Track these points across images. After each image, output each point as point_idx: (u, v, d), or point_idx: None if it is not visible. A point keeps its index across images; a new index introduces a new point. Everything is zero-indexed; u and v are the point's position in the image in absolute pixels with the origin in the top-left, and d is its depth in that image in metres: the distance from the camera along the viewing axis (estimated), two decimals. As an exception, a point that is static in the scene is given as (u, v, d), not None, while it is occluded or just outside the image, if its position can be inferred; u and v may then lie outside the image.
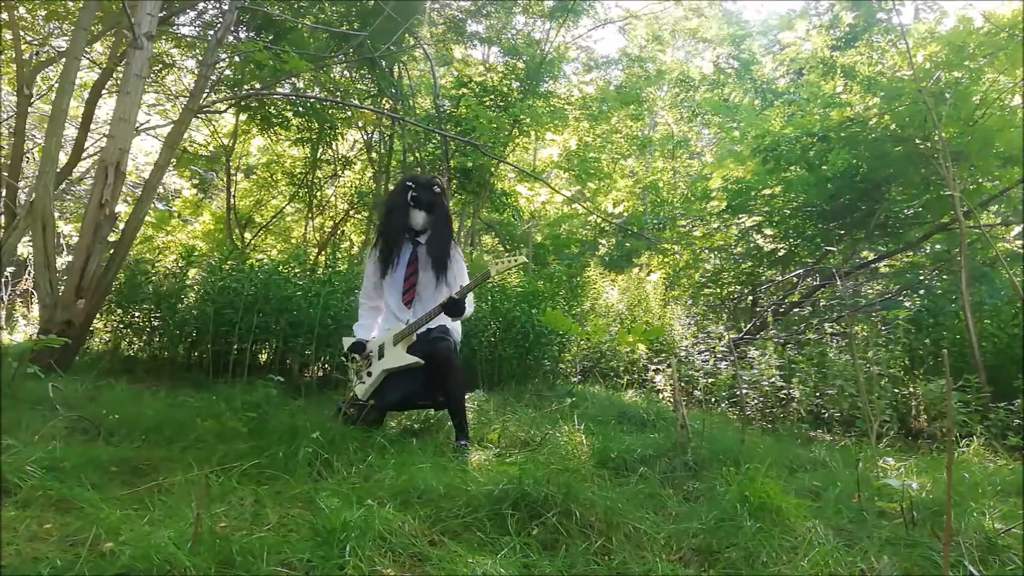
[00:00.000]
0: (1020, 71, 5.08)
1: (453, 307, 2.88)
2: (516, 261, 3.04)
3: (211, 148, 9.15)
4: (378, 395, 2.96)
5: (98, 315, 4.68)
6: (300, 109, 7.47)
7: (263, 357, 4.97)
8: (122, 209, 6.26)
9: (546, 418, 3.54)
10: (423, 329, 3.00)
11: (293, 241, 10.09)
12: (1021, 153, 4.99)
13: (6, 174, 5.88)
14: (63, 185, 8.07)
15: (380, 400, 2.94)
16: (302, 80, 7.27)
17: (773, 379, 4.42)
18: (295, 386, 3.89)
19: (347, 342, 3.14)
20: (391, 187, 8.43)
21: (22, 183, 6.68)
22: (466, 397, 3.19)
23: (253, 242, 9.05)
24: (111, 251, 4.41)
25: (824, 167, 5.91)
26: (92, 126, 6.99)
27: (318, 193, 9.33)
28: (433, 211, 3.08)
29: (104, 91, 6.74)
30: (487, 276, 3.02)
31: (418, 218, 3.06)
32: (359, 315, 3.21)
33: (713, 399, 4.94)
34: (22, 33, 6.32)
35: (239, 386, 3.60)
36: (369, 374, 3.00)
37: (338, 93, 7.23)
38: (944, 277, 5.73)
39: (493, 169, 8.41)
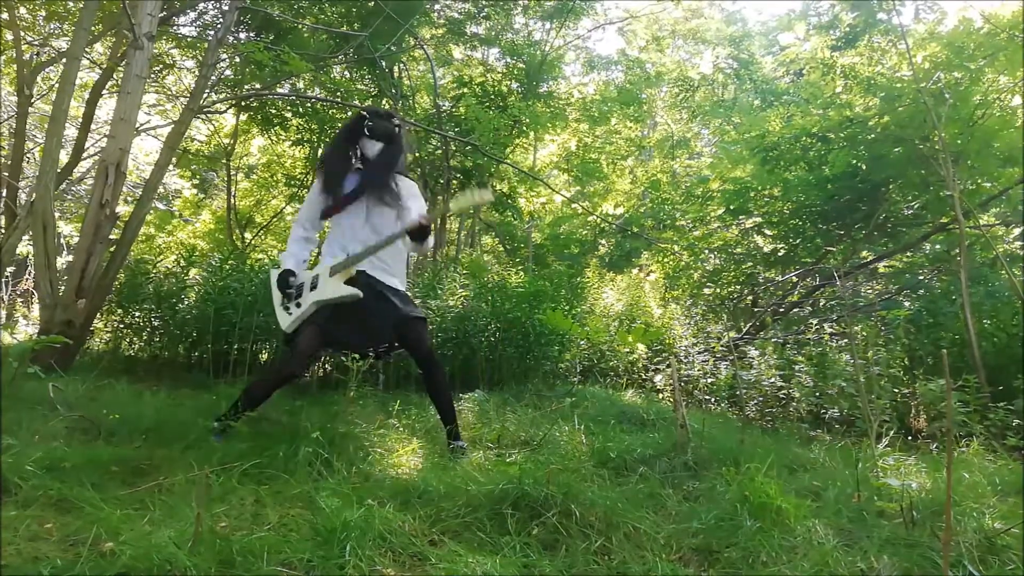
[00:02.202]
0: (1020, 71, 5.08)
1: (420, 233, 2.58)
2: (480, 197, 2.68)
3: (212, 148, 9.15)
4: (305, 331, 2.65)
5: (98, 315, 4.68)
6: (300, 110, 7.46)
7: (263, 357, 4.97)
8: (123, 209, 6.25)
9: (546, 418, 3.54)
10: (398, 288, 2.77)
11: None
12: (1021, 153, 4.99)
13: (7, 174, 5.88)
14: (63, 185, 8.07)
15: (315, 336, 2.64)
16: (302, 80, 7.27)
17: (773, 379, 4.42)
18: (295, 386, 3.89)
19: (274, 274, 2.84)
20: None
21: (23, 183, 6.68)
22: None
23: (253, 242, 9.04)
24: (112, 251, 4.41)
25: (824, 167, 5.91)
26: (92, 126, 7.00)
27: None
28: (390, 141, 2.77)
29: (104, 91, 6.74)
30: (448, 211, 2.84)
31: (373, 148, 2.76)
32: (288, 244, 2.88)
33: (713, 399, 4.94)
34: (22, 33, 6.33)
35: (239, 386, 3.60)
36: (298, 305, 2.69)
37: (338, 93, 7.23)
38: (944, 277, 5.73)
39: (493, 169, 8.41)
